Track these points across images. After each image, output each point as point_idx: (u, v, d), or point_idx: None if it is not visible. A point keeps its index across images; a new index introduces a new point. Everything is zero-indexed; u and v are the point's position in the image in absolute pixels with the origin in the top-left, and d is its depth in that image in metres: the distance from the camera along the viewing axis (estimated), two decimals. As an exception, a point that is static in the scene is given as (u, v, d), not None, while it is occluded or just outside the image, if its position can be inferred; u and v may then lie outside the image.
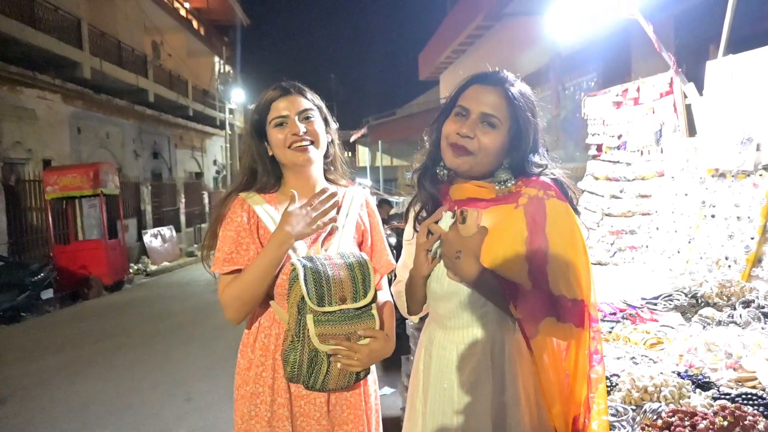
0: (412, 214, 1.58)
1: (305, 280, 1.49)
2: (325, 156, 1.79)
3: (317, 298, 1.50)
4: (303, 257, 1.59)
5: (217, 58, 26.53)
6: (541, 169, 1.42)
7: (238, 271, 1.64)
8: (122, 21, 16.79)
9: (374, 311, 1.59)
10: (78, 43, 13.27)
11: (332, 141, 1.81)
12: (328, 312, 1.52)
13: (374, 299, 1.58)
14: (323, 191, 1.64)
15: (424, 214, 1.51)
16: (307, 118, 1.70)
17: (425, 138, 1.54)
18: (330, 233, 1.71)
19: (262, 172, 1.74)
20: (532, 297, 1.30)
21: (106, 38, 15.09)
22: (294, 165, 1.71)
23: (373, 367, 1.74)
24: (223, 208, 1.71)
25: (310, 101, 1.74)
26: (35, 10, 11.74)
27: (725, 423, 1.33)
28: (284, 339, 1.59)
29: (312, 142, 1.69)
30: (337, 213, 1.76)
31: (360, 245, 1.80)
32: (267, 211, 1.69)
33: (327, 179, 1.83)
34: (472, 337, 1.44)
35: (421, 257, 1.45)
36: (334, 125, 1.82)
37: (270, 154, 1.73)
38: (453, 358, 1.45)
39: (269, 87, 1.74)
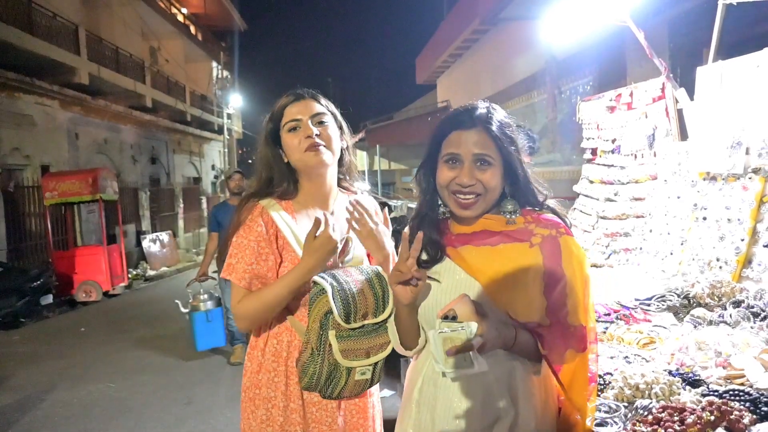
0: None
1: (334, 298, 1.52)
2: (340, 163, 1.79)
3: (345, 316, 1.53)
4: (326, 274, 1.59)
5: (214, 64, 26.58)
6: (543, 198, 1.47)
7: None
8: (120, 27, 16.84)
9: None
10: (76, 49, 13.30)
11: (347, 147, 1.81)
12: (353, 328, 1.56)
13: (392, 313, 1.60)
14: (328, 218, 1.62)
15: (424, 256, 1.46)
16: (321, 122, 1.70)
17: (414, 188, 1.55)
18: (345, 244, 1.73)
19: (278, 179, 1.73)
20: (553, 332, 1.36)
21: (104, 44, 15.13)
22: (307, 167, 1.69)
23: None
24: (242, 216, 1.69)
25: (324, 107, 1.74)
26: (33, 17, 11.77)
27: (712, 418, 1.37)
28: (302, 351, 1.62)
29: (325, 146, 1.68)
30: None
31: (369, 254, 1.81)
32: (285, 220, 1.68)
33: (341, 186, 1.84)
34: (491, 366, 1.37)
35: (397, 289, 1.37)
36: (348, 132, 1.82)
37: (285, 161, 1.72)
38: (462, 390, 1.39)
39: (283, 95, 1.75)
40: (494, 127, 1.39)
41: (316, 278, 1.57)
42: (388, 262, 1.72)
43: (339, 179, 1.83)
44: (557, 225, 1.41)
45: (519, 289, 1.36)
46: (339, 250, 1.69)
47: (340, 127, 1.78)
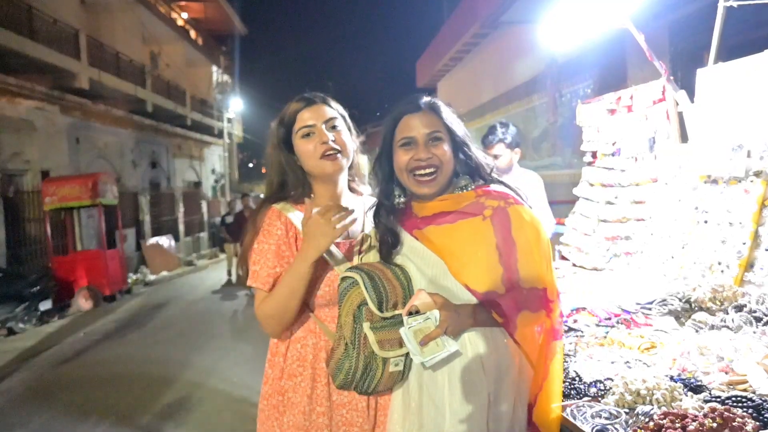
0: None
1: (366, 288, 1.52)
2: (350, 166, 1.80)
3: (378, 304, 1.53)
4: (354, 268, 1.59)
5: (215, 68, 26.66)
6: (491, 170, 1.62)
7: None
8: (120, 32, 16.88)
9: None
10: (76, 54, 13.33)
11: (356, 149, 1.82)
12: (385, 318, 1.55)
13: None
14: (334, 206, 1.62)
15: (385, 247, 1.63)
16: (334, 127, 1.72)
17: (371, 178, 1.72)
18: (362, 241, 1.73)
19: (293, 183, 1.73)
20: (507, 298, 1.45)
21: (105, 49, 15.16)
22: (323, 174, 1.71)
23: None
24: (259, 222, 1.69)
25: (335, 110, 1.75)
26: (34, 22, 11.80)
27: (714, 425, 1.35)
28: (334, 348, 1.60)
29: (340, 151, 1.70)
30: (363, 225, 1.78)
31: None
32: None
33: (350, 188, 1.85)
34: (466, 344, 1.50)
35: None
36: (355, 132, 1.83)
37: (299, 164, 1.73)
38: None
39: (292, 99, 1.74)
40: (439, 109, 1.59)
41: (346, 273, 1.57)
42: None
43: (348, 181, 1.85)
44: (506, 196, 1.54)
45: (476, 261, 1.48)
46: (358, 250, 1.71)
47: (350, 129, 1.80)
